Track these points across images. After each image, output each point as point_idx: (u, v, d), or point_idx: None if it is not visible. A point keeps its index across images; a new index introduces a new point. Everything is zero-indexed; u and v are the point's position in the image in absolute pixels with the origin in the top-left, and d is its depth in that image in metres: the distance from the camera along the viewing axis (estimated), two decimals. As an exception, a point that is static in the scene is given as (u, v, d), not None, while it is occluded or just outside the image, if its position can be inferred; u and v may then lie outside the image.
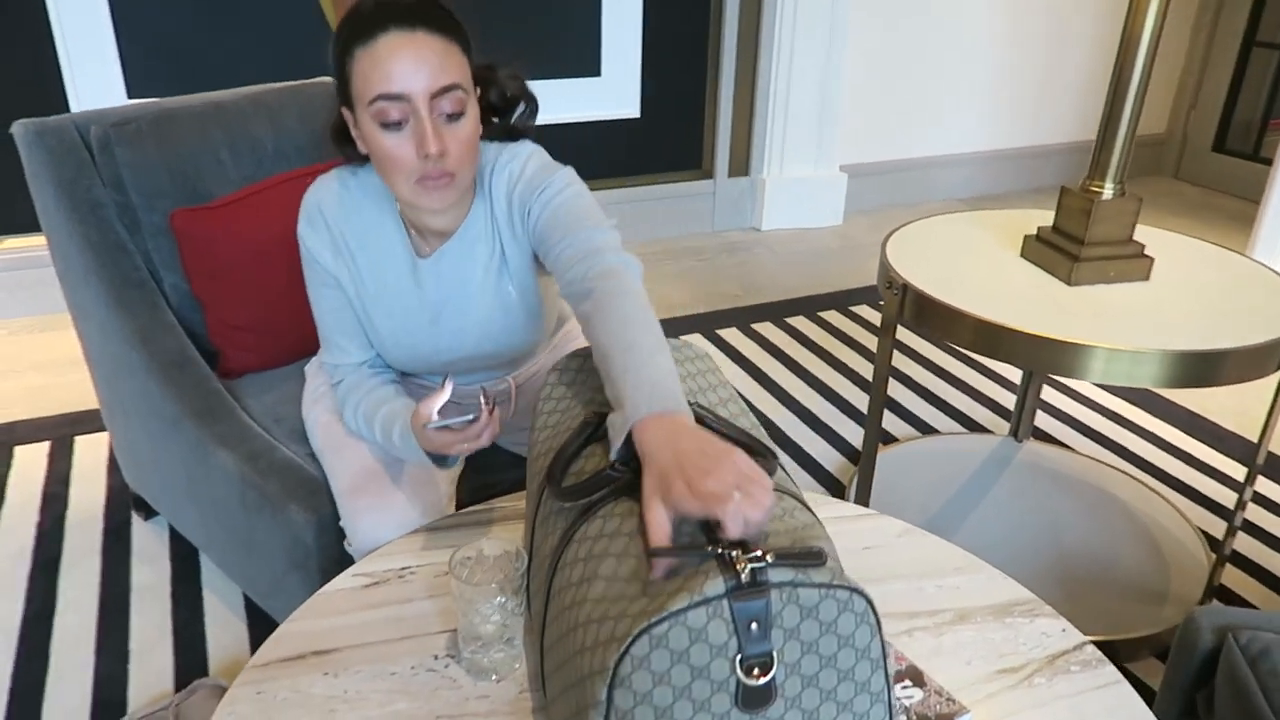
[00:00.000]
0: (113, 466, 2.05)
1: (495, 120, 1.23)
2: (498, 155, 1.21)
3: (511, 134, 1.24)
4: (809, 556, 0.70)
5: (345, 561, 1.30)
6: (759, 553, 0.69)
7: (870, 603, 0.72)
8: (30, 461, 2.09)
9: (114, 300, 1.56)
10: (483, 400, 1.08)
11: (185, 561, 1.79)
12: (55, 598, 1.70)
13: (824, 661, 0.70)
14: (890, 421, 2.38)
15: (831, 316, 2.96)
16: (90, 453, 2.12)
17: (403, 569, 1.12)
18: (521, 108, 1.23)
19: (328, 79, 1.89)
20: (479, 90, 1.15)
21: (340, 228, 1.21)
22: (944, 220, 1.87)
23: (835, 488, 2.10)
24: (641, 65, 3.37)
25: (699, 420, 0.88)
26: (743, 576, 0.67)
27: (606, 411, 0.92)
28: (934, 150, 4.05)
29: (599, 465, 0.88)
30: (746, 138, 3.64)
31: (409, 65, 1.04)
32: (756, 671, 0.68)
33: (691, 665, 0.68)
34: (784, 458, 2.20)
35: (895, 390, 2.53)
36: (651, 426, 0.83)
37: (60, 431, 2.20)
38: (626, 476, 0.83)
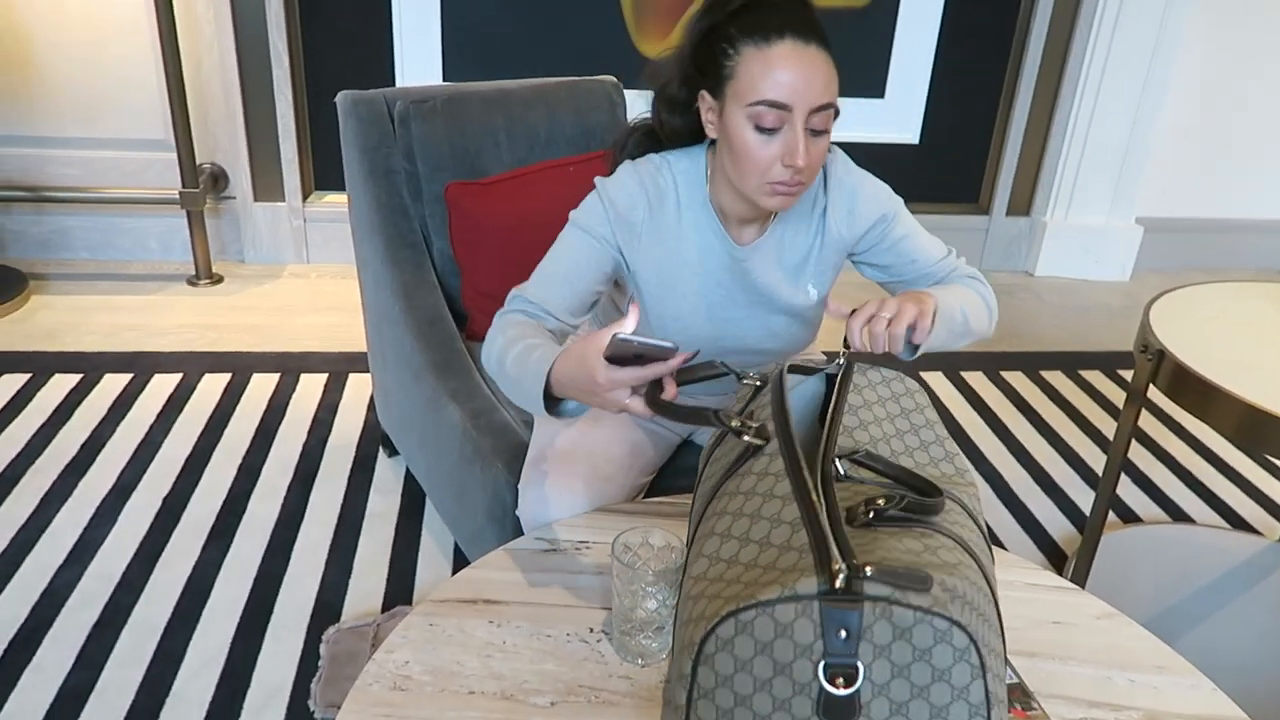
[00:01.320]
0: (371, 405, 2.30)
1: None
2: (833, 159, 1.25)
3: None
4: (913, 579, 0.67)
5: (537, 526, 1.39)
6: (861, 565, 0.67)
7: (974, 641, 0.68)
8: (311, 389, 2.39)
9: (389, 256, 1.75)
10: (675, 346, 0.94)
11: (413, 500, 1.97)
12: (305, 508, 1.94)
13: (915, 691, 0.67)
14: (1139, 500, 2.16)
15: (1093, 377, 2.73)
16: (357, 390, 2.39)
17: (580, 542, 1.18)
18: None
19: (606, 77, 2.01)
20: None
21: (649, 205, 1.20)
22: (1230, 287, 1.68)
23: (1056, 558, 1.94)
24: (929, 91, 3.27)
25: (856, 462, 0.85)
26: (838, 582, 0.66)
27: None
28: (1252, 213, 3.60)
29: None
30: (1033, 175, 3.43)
31: (801, 79, 1.06)
32: (841, 681, 0.67)
33: (775, 659, 0.68)
34: (1007, 518, 2.07)
35: (1151, 467, 2.29)
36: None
37: (339, 367, 2.50)
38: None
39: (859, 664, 0.67)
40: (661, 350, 0.91)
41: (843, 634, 0.67)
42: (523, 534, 1.23)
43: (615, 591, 0.99)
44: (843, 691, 0.67)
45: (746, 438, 0.86)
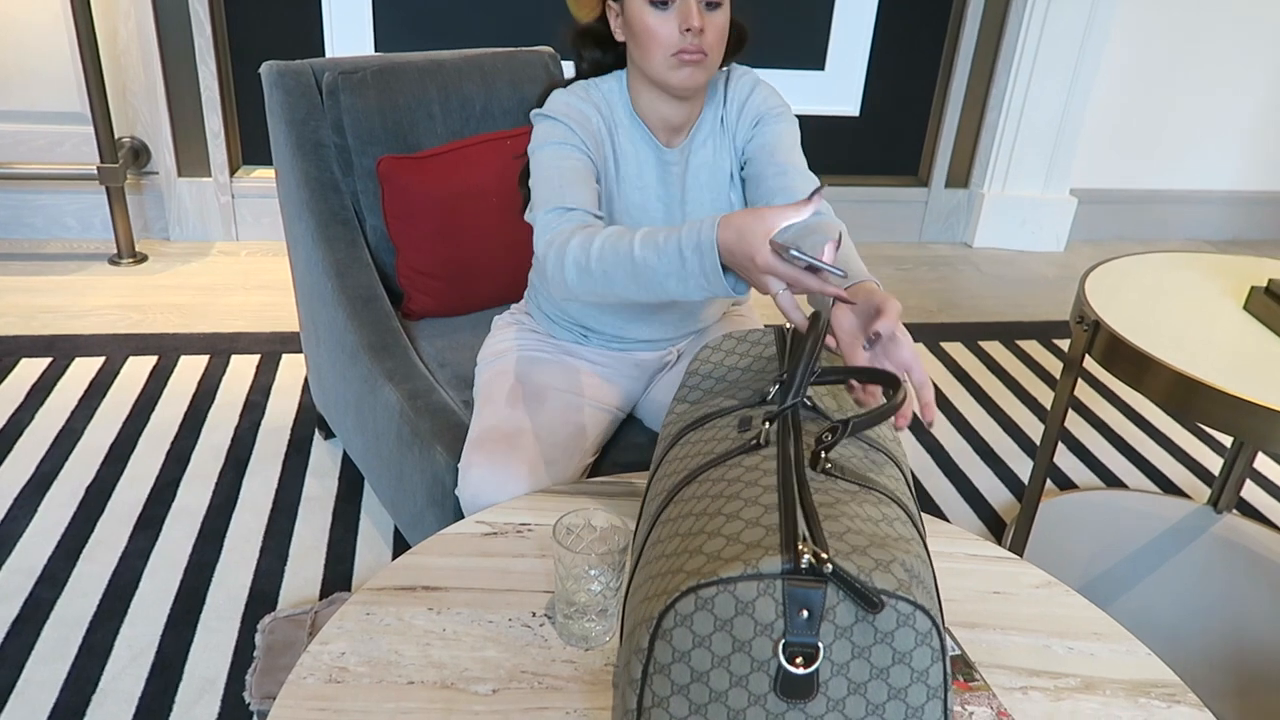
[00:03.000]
0: (306, 386, 2.24)
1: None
2: (733, 70, 1.33)
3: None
4: (869, 593, 0.66)
5: (478, 508, 1.36)
6: (821, 554, 0.67)
7: (936, 626, 0.68)
8: (242, 370, 2.32)
9: (320, 234, 1.69)
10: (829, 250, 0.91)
11: (350, 484, 1.92)
12: (238, 494, 1.88)
13: (874, 672, 0.67)
14: (1074, 467, 2.20)
15: (1030, 347, 2.77)
16: (290, 371, 2.32)
17: (521, 524, 1.16)
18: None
19: (543, 48, 1.96)
20: None
21: (600, 114, 1.26)
22: (1162, 258, 1.71)
23: (996, 526, 1.97)
24: (868, 63, 3.27)
25: None
26: (801, 562, 0.66)
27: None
28: (1182, 184, 3.69)
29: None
30: (971, 148, 3.46)
31: None
32: (800, 660, 0.67)
33: (734, 637, 0.68)
34: (948, 488, 2.10)
35: (1087, 435, 2.34)
36: None
37: (271, 347, 2.42)
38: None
39: (819, 644, 0.67)
40: (827, 271, 0.90)
41: (804, 614, 0.66)
42: (463, 517, 1.21)
43: (557, 575, 0.97)
44: (801, 671, 0.67)
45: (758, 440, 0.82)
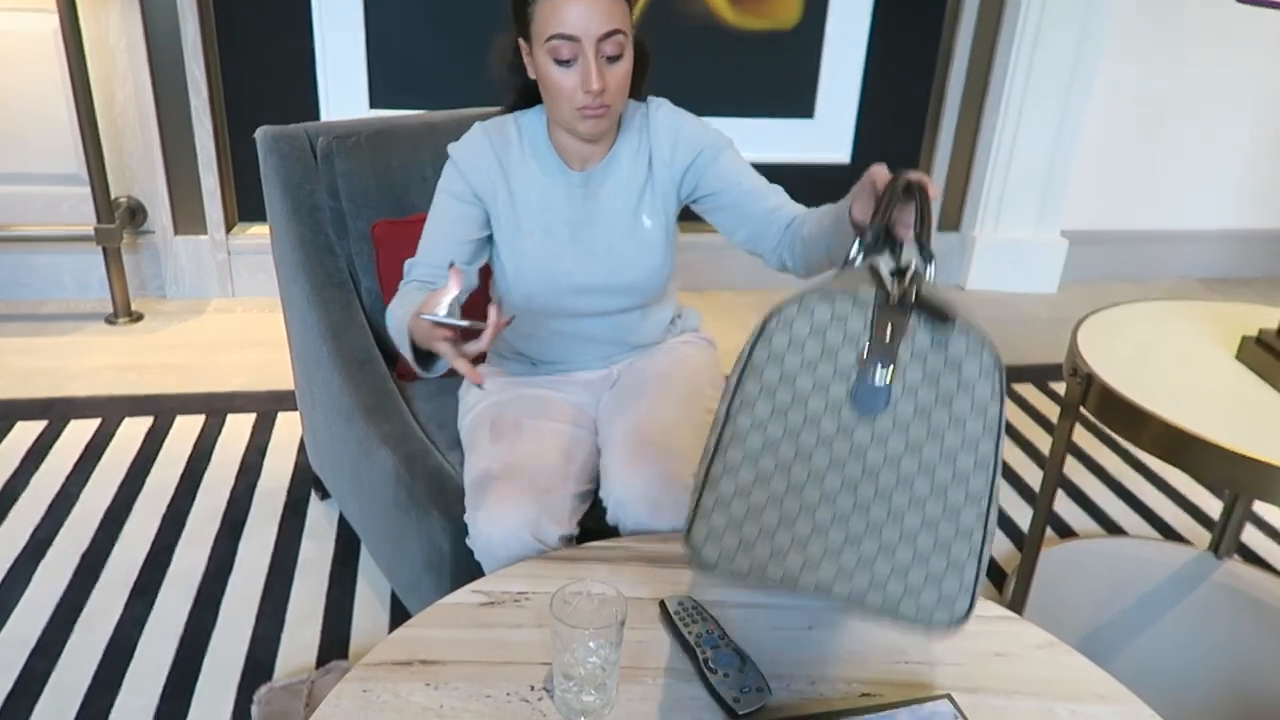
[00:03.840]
0: (302, 445, 2.23)
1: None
2: (657, 104, 1.41)
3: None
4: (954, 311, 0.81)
5: (476, 572, 1.35)
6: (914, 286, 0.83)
7: (1000, 367, 0.79)
8: (238, 430, 2.31)
9: (315, 296, 1.70)
10: (491, 312, 1.06)
11: (347, 545, 1.91)
12: (234, 557, 1.87)
13: (940, 397, 0.76)
14: (1073, 514, 2.20)
15: (1025, 390, 2.78)
16: (287, 429, 2.32)
17: (519, 593, 1.15)
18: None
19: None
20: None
21: (496, 156, 1.37)
22: (1152, 307, 1.72)
23: (997, 576, 1.96)
24: (858, 111, 3.31)
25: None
26: (892, 295, 0.78)
27: None
28: (1172, 223, 3.72)
29: None
30: (961, 192, 3.49)
31: (582, 13, 1.21)
32: (878, 370, 0.76)
33: (825, 342, 0.78)
34: (946, 535, 2.08)
35: (1084, 480, 2.34)
36: None
37: (267, 406, 2.42)
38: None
39: (896, 359, 0.80)
40: (469, 325, 1.05)
41: (889, 330, 0.79)
42: (461, 583, 1.19)
43: (555, 648, 0.96)
44: (876, 382, 0.78)
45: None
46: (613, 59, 1.24)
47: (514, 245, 1.38)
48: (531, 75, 1.30)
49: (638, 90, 1.38)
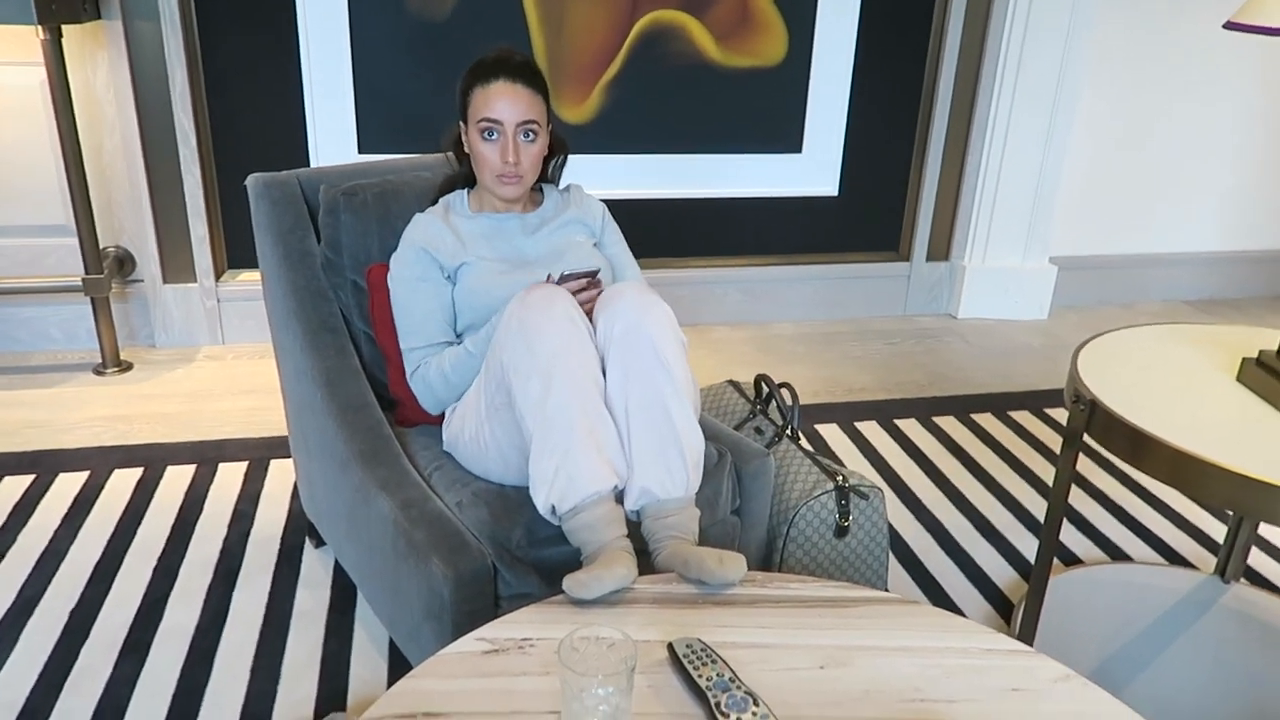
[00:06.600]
0: (295, 492, 2.20)
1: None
2: (573, 188, 1.80)
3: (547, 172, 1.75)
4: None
5: (477, 618, 1.32)
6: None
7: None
8: (230, 478, 2.28)
9: (308, 342, 1.68)
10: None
11: (344, 593, 1.88)
12: (227, 610, 1.83)
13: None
14: (1076, 541, 2.18)
15: (1023, 418, 2.77)
16: (279, 477, 2.29)
17: (524, 640, 1.13)
18: (560, 158, 1.76)
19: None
20: (551, 127, 1.66)
21: (443, 223, 1.66)
22: (1149, 332, 1.71)
23: (1003, 606, 1.94)
24: (844, 144, 3.33)
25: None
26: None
27: None
28: (1160, 247, 3.75)
29: None
30: (950, 222, 3.51)
31: (507, 104, 1.57)
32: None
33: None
34: (950, 568, 2.07)
35: (1086, 506, 2.32)
36: None
37: (259, 453, 2.39)
38: None
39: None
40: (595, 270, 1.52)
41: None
42: (463, 631, 1.17)
43: (564, 697, 0.94)
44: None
45: None
46: (528, 138, 1.59)
47: (468, 279, 1.63)
48: (466, 150, 1.64)
49: (553, 175, 1.76)
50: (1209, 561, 2.11)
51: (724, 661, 1.05)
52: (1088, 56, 3.27)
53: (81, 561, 1.96)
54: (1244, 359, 1.52)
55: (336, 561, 1.96)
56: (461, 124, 1.65)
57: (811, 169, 3.35)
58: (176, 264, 2.97)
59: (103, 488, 2.22)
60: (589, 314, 1.44)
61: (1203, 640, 1.79)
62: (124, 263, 2.94)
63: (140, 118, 2.79)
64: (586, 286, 1.47)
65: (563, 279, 1.47)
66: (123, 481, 2.25)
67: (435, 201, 1.74)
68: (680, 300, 1.62)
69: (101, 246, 2.83)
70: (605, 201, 1.81)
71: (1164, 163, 3.61)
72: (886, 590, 1.75)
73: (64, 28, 2.55)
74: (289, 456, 2.33)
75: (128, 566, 1.95)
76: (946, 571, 2.05)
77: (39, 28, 2.47)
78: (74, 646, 1.73)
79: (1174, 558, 2.13)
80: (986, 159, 3.35)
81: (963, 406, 2.83)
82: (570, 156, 1.77)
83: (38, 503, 2.16)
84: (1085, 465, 2.51)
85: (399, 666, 1.68)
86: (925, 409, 2.80)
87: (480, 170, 1.62)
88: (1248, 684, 1.69)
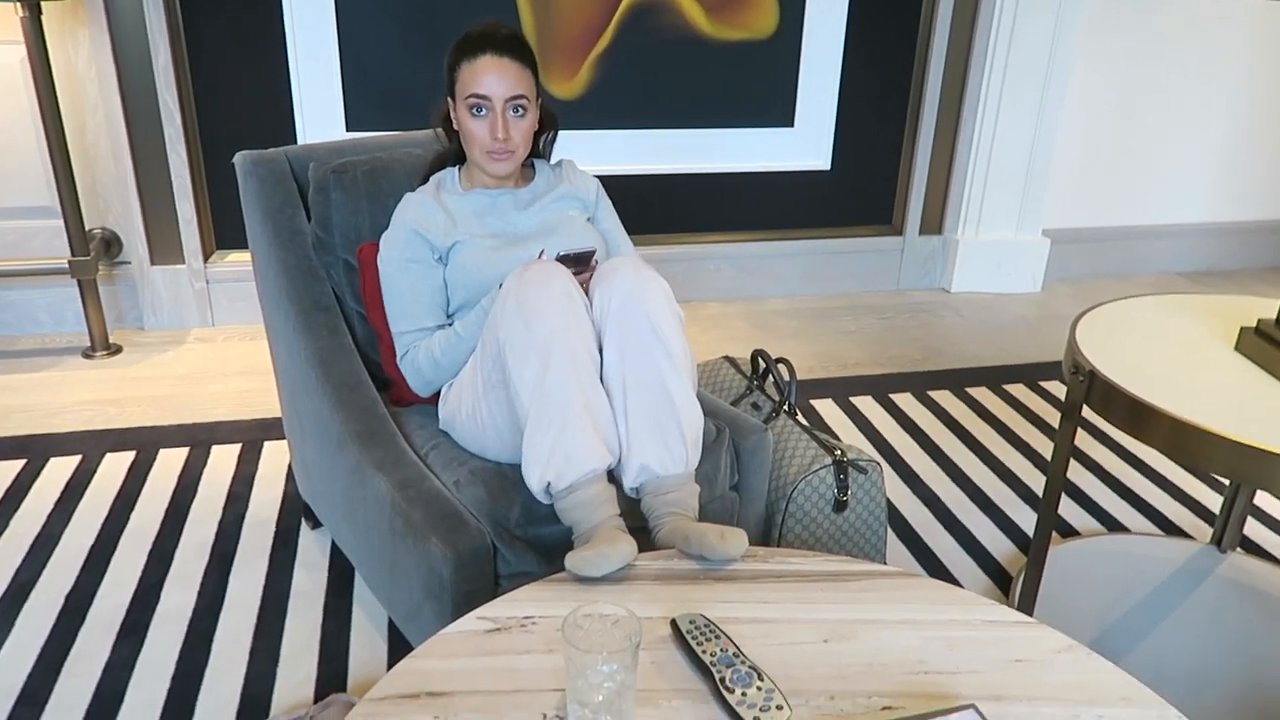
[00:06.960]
0: (290, 474, 2.19)
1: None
2: (565, 163, 1.76)
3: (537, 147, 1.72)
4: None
5: (477, 597, 1.32)
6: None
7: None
8: (223, 461, 2.26)
9: (301, 322, 1.66)
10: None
11: (341, 575, 1.87)
12: (224, 593, 1.82)
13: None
14: (1073, 513, 2.18)
15: (1018, 390, 2.77)
16: (274, 458, 2.27)
17: (526, 618, 1.12)
18: (551, 133, 1.74)
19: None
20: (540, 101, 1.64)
21: (435, 201, 1.63)
22: (1147, 302, 1.71)
23: (1001, 579, 1.94)
24: (836, 118, 3.31)
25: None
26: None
27: None
28: (1153, 219, 3.75)
29: None
30: (942, 195, 3.50)
31: (494, 79, 1.53)
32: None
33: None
34: (949, 541, 2.07)
35: (1082, 478, 2.33)
36: None
37: (252, 435, 2.37)
38: None
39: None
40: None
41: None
42: (464, 611, 1.16)
43: (568, 674, 0.93)
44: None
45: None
46: (517, 114, 1.56)
47: (461, 255, 1.60)
48: (456, 127, 1.61)
49: (544, 150, 1.73)
50: (1205, 532, 2.12)
51: (727, 637, 1.05)
52: (1080, 28, 3.25)
53: (76, 546, 1.95)
54: (1243, 328, 1.52)
55: (333, 543, 1.95)
56: (449, 100, 1.61)
57: (804, 143, 3.32)
58: (164, 245, 2.94)
59: (95, 472, 2.21)
60: (585, 290, 1.42)
61: (1200, 609, 1.80)
62: (110, 244, 2.91)
63: (123, 96, 2.75)
64: (582, 271, 1.44)
65: (559, 261, 1.45)
66: (115, 465, 2.23)
67: (426, 179, 1.71)
68: (673, 276, 1.60)
69: (87, 228, 2.79)
70: (597, 178, 1.79)
71: (1156, 135, 3.60)
72: (885, 564, 1.75)
73: (43, 4, 2.50)
74: (282, 438, 2.32)
75: (122, 550, 1.94)
76: (944, 545, 2.05)
77: (17, 4, 2.43)
78: (71, 630, 1.72)
79: (1170, 528, 2.14)
80: (979, 132, 3.34)
81: (957, 380, 2.83)
82: (560, 133, 1.75)
83: (29, 487, 2.14)
84: (1081, 437, 2.52)
85: (399, 647, 1.67)
86: (920, 383, 2.80)
87: (470, 147, 1.59)
88: (1245, 651, 1.70)
